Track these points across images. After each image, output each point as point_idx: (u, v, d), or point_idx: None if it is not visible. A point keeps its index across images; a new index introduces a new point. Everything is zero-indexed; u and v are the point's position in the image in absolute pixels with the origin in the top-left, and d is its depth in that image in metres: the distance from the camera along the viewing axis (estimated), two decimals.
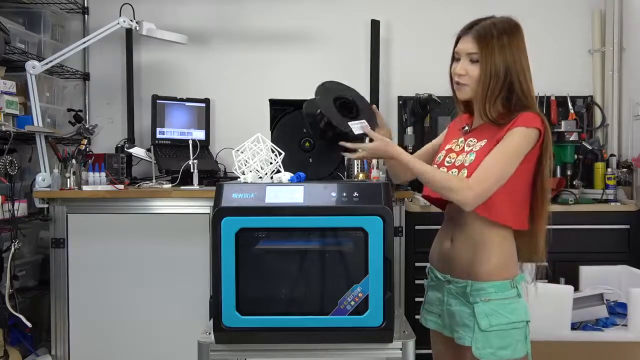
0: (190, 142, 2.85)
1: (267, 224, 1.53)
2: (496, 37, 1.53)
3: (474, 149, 1.59)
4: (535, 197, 1.59)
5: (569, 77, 3.36)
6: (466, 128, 1.68)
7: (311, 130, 1.83)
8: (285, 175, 1.70)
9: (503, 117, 1.56)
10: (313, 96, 1.78)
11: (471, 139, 1.63)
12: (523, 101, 1.56)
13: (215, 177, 3.04)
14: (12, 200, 2.53)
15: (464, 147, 1.63)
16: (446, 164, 1.64)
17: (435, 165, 1.67)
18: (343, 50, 3.37)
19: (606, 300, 2.47)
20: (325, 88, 1.80)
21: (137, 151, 3.01)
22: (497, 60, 1.53)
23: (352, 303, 1.52)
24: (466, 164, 1.57)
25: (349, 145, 1.68)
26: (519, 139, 1.51)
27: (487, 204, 1.52)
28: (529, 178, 1.57)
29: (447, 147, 1.70)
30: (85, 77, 3.35)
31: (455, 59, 1.61)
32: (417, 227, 2.84)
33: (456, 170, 1.59)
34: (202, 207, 2.63)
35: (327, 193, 1.55)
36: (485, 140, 1.57)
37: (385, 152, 1.61)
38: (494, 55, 1.53)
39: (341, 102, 1.77)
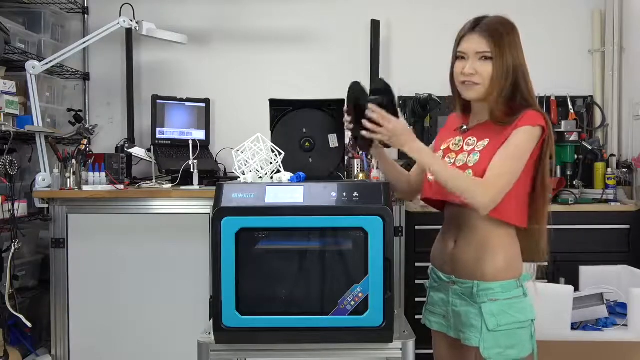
0: (190, 142, 2.85)
1: (267, 224, 1.53)
2: (506, 35, 1.53)
3: (476, 149, 1.58)
4: (536, 195, 1.59)
5: (569, 77, 3.35)
6: (464, 127, 1.67)
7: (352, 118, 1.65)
8: (285, 175, 1.70)
9: (506, 116, 1.56)
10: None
11: (470, 137, 1.62)
12: (528, 100, 1.56)
13: (215, 177, 3.04)
14: (12, 200, 2.52)
15: (462, 147, 1.62)
16: None
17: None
18: (343, 50, 3.37)
19: (606, 300, 2.46)
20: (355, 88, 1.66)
21: (137, 151, 3.00)
22: (508, 59, 1.52)
23: (352, 303, 1.52)
24: (470, 164, 1.56)
25: (373, 115, 1.54)
26: (525, 137, 1.51)
27: None
28: (530, 175, 1.57)
29: (444, 146, 1.68)
30: (85, 77, 3.35)
31: (459, 58, 1.58)
32: (417, 227, 2.84)
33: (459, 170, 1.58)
34: (202, 207, 2.63)
35: (327, 193, 1.55)
36: (488, 140, 1.57)
37: (402, 136, 1.53)
38: (506, 54, 1.52)
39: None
